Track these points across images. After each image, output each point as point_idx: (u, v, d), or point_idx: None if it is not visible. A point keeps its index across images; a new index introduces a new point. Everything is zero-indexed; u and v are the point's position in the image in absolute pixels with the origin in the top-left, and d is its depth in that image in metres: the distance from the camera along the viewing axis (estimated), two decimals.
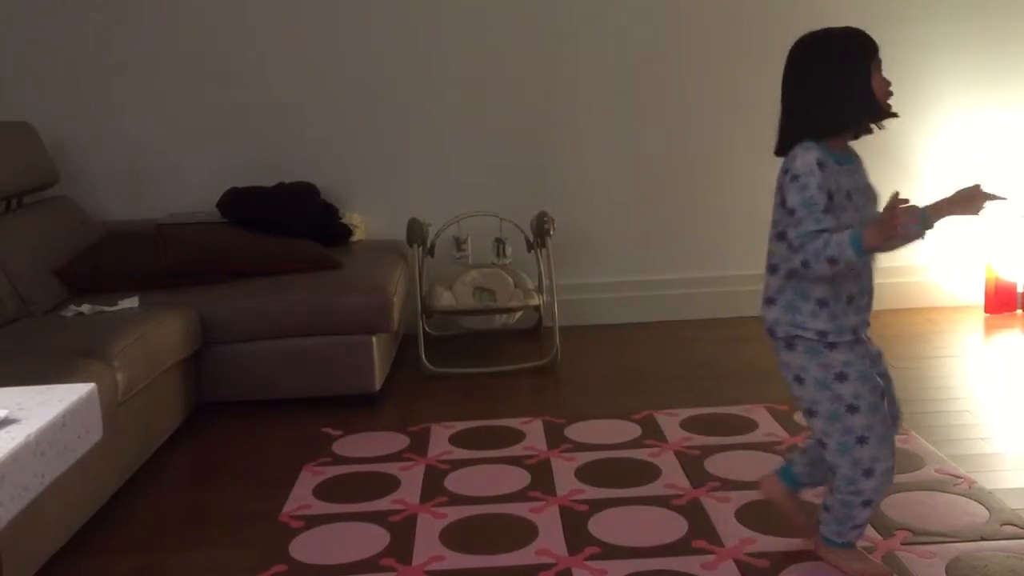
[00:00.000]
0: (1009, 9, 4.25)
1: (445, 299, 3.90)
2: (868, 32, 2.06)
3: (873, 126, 2.08)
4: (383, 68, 4.22)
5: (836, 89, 1.99)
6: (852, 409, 1.99)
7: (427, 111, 4.25)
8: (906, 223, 1.83)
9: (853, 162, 2.06)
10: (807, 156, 1.94)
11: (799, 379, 2.03)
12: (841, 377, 1.99)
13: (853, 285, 2.00)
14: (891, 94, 2.01)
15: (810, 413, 2.05)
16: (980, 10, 4.24)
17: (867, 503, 2.06)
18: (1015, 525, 2.35)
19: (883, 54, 4.78)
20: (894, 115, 2.04)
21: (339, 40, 4.20)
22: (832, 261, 1.88)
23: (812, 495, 2.33)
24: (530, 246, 3.99)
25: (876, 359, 2.10)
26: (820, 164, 1.94)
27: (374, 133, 4.26)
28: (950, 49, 4.26)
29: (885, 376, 2.12)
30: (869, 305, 2.06)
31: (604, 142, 4.32)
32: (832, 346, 1.99)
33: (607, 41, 4.26)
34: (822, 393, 2.01)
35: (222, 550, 2.45)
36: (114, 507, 2.63)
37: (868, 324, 2.08)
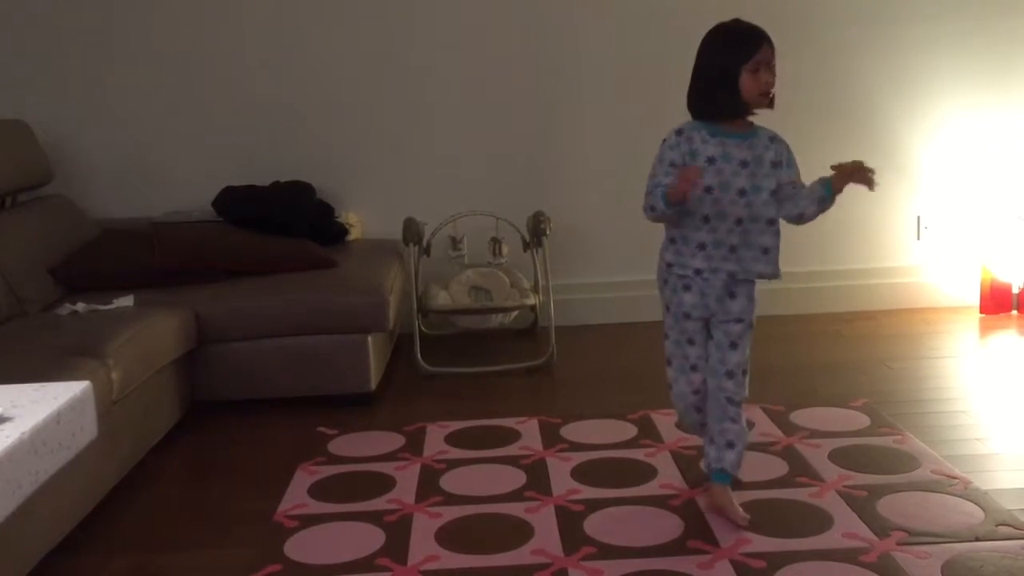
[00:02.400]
0: (1009, 9, 4.25)
1: (441, 298, 3.90)
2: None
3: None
4: (379, 67, 4.22)
5: (706, 80, 2.32)
6: (665, 336, 2.47)
7: (423, 110, 4.25)
8: (693, 182, 2.19)
9: (744, 138, 2.31)
10: (674, 128, 2.35)
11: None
12: (666, 308, 2.45)
13: (706, 236, 2.33)
14: (767, 92, 2.27)
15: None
16: (981, 11, 4.24)
17: (675, 405, 2.52)
18: (1010, 526, 2.35)
19: (881, 53, 4.76)
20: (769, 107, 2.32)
21: (335, 39, 4.19)
22: (651, 208, 2.32)
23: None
24: (526, 246, 3.98)
25: (733, 320, 2.37)
26: (679, 132, 2.33)
27: (370, 132, 4.25)
28: (950, 49, 4.27)
29: (737, 335, 2.39)
30: (728, 259, 2.34)
31: (601, 142, 4.32)
32: (666, 282, 2.42)
33: (605, 40, 4.26)
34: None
35: (217, 549, 2.44)
36: (109, 506, 2.62)
37: (731, 276, 2.35)
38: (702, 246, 2.34)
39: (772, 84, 2.27)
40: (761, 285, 2.42)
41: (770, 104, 2.31)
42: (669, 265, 2.40)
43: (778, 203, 2.33)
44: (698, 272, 2.35)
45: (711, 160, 2.29)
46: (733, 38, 2.30)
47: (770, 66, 2.27)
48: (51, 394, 0.80)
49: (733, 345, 2.39)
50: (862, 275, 4.42)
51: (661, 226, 4.34)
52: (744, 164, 2.30)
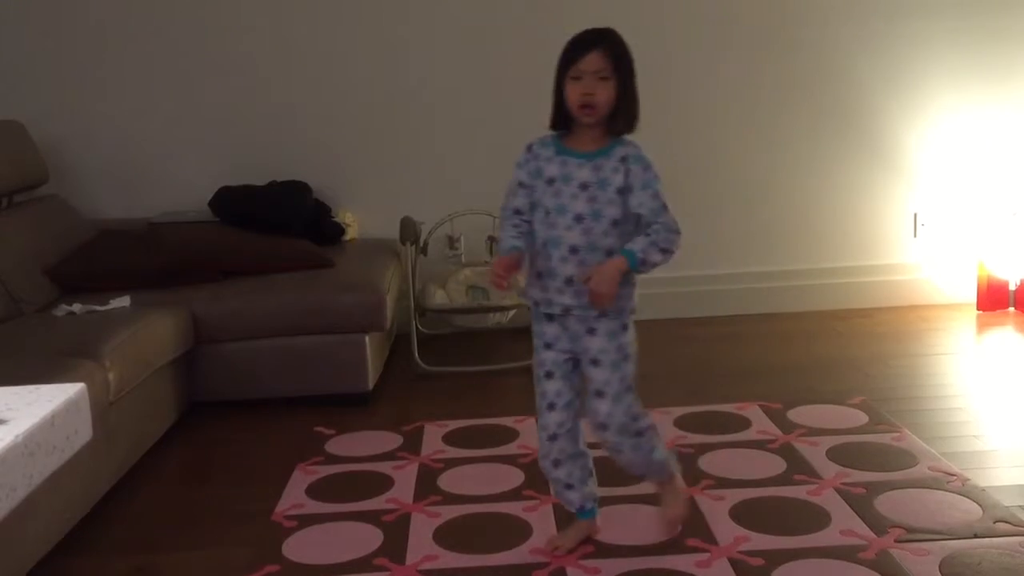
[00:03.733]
0: (1003, 5, 4.25)
1: (438, 298, 3.89)
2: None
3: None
4: (376, 66, 4.21)
5: (553, 95, 2.17)
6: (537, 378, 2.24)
7: (420, 109, 4.24)
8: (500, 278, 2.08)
9: (590, 157, 2.11)
10: (526, 143, 2.21)
11: None
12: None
13: (542, 263, 2.14)
14: (585, 103, 2.08)
15: None
16: (976, 7, 4.24)
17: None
18: (1008, 522, 2.35)
19: (877, 50, 4.76)
20: (616, 123, 2.14)
21: (332, 38, 4.19)
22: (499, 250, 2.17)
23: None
24: None
25: (589, 361, 2.16)
26: (529, 148, 2.19)
27: (367, 131, 4.25)
28: (945, 45, 4.26)
29: (602, 382, 2.16)
30: (564, 291, 2.12)
31: None
32: (533, 310, 2.21)
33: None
34: None
35: (214, 550, 2.44)
36: (106, 507, 2.62)
37: (566, 311, 2.13)
38: (539, 275, 2.14)
39: (594, 97, 2.06)
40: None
41: (615, 124, 2.10)
42: (523, 291, 2.24)
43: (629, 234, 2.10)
44: (536, 304, 2.16)
45: (551, 181, 2.11)
46: (567, 46, 2.15)
47: (599, 76, 2.07)
48: (46, 396, 0.79)
49: (599, 393, 2.15)
50: (859, 272, 4.42)
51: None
52: (584, 187, 2.09)
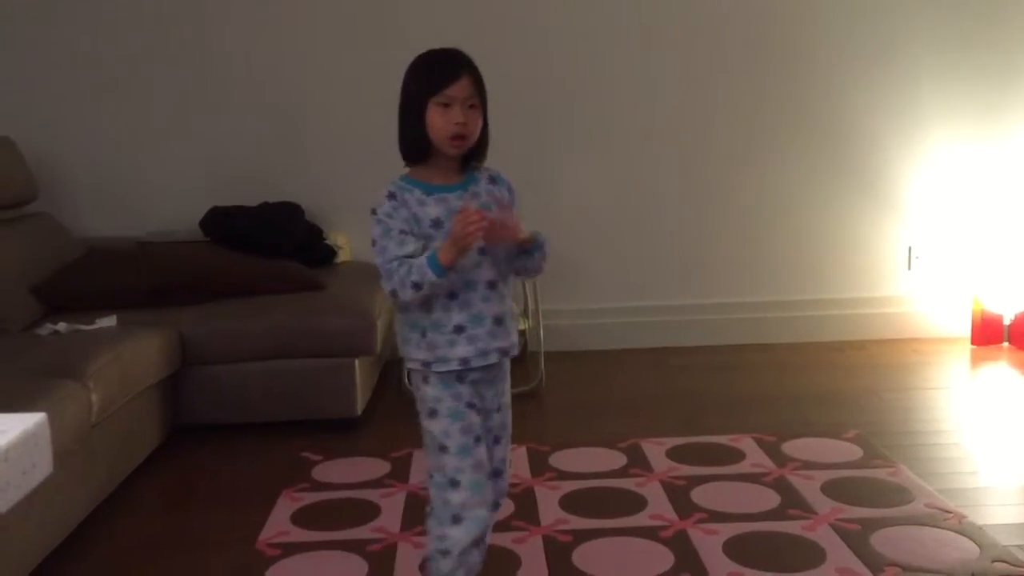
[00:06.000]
0: (995, 41, 4.26)
1: None
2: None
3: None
4: (369, 89, 4.18)
5: (402, 121, 1.95)
6: (443, 449, 1.94)
7: None
8: (473, 228, 1.78)
9: (464, 187, 1.94)
10: (383, 192, 1.95)
11: (418, 411, 2.00)
12: (432, 413, 1.94)
13: (460, 315, 1.89)
14: (457, 132, 1.88)
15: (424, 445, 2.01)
16: (968, 43, 4.24)
17: (445, 552, 1.95)
18: (1006, 562, 2.30)
19: (871, 85, 4.74)
20: (476, 154, 1.97)
21: (325, 61, 4.17)
22: (416, 286, 1.85)
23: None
24: None
25: (497, 407, 1.99)
26: (391, 196, 1.92)
27: (360, 153, 4.21)
28: (940, 80, 4.26)
29: (500, 426, 2.02)
30: (497, 334, 1.92)
31: (591, 168, 4.30)
32: (427, 379, 1.94)
33: (593, 68, 4.25)
34: (424, 425, 1.98)
35: None
36: (85, 532, 2.56)
37: (501, 354, 1.94)
38: (460, 328, 1.89)
39: (467, 127, 1.89)
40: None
41: (475, 154, 1.96)
42: (426, 364, 1.91)
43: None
44: (465, 362, 1.89)
45: (437, 223, 1.89)
46: (426, 65, 1.97)
47: (471, 106, 1.91)
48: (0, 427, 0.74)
49: (497, 440, 2.02)
50: (853, 304, 4.40)
51: (648, 252, 4.37)
52: None
